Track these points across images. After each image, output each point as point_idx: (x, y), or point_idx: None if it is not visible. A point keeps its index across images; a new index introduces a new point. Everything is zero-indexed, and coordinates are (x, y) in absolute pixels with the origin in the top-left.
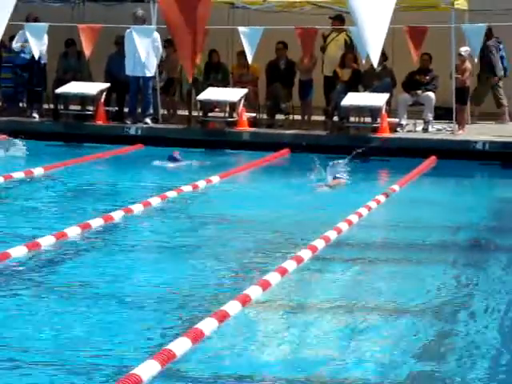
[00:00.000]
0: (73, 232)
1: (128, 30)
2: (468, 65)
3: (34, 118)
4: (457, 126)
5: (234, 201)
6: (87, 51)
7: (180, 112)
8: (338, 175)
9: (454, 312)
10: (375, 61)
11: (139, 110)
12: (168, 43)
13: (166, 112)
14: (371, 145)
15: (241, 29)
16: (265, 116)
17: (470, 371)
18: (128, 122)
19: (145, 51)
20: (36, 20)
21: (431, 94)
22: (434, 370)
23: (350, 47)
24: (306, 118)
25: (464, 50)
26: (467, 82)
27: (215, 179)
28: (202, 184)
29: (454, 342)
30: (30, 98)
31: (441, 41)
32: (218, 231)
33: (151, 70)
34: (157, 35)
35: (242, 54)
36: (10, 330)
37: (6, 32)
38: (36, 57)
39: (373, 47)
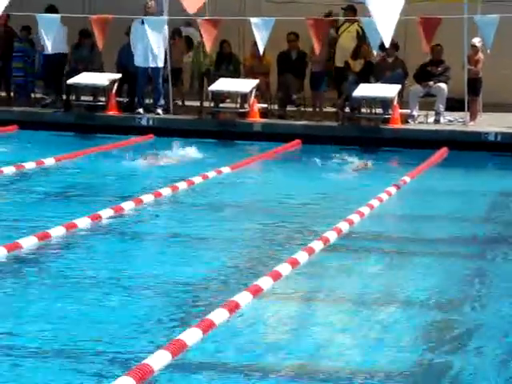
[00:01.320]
0: (83, 223)
1: (135, 21)
2: (481, 55)
3: (59, 109)
4: (468, 117)
5: (244, 192)
6: (99, 42)
7: (190, 102)
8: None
9: (468, 304)
10: (387, 41)
11: (147, 101)
12: (173, 34)
13: (177, 102)
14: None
15: (252, 19)
16: (276, 107)
17: (482, 362)
18: (141, 112)
19: (156, 42)
20: (53, 9)
21: (443, 86)
22: (448, 362)
23: (362, 38)
24: (317, 109)
25: (477, 40)
26: (480, 73)
27: (226, 170)
28: (212, 175)
29: (467, 334)
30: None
31: (453, 32)
32: (228, 222)
33: (162, 61)
34: (165, 26)
35: (257, 44)
36: (18, 319)
37: (19, 22)
38: (49, 48)
39: (385, 28)
